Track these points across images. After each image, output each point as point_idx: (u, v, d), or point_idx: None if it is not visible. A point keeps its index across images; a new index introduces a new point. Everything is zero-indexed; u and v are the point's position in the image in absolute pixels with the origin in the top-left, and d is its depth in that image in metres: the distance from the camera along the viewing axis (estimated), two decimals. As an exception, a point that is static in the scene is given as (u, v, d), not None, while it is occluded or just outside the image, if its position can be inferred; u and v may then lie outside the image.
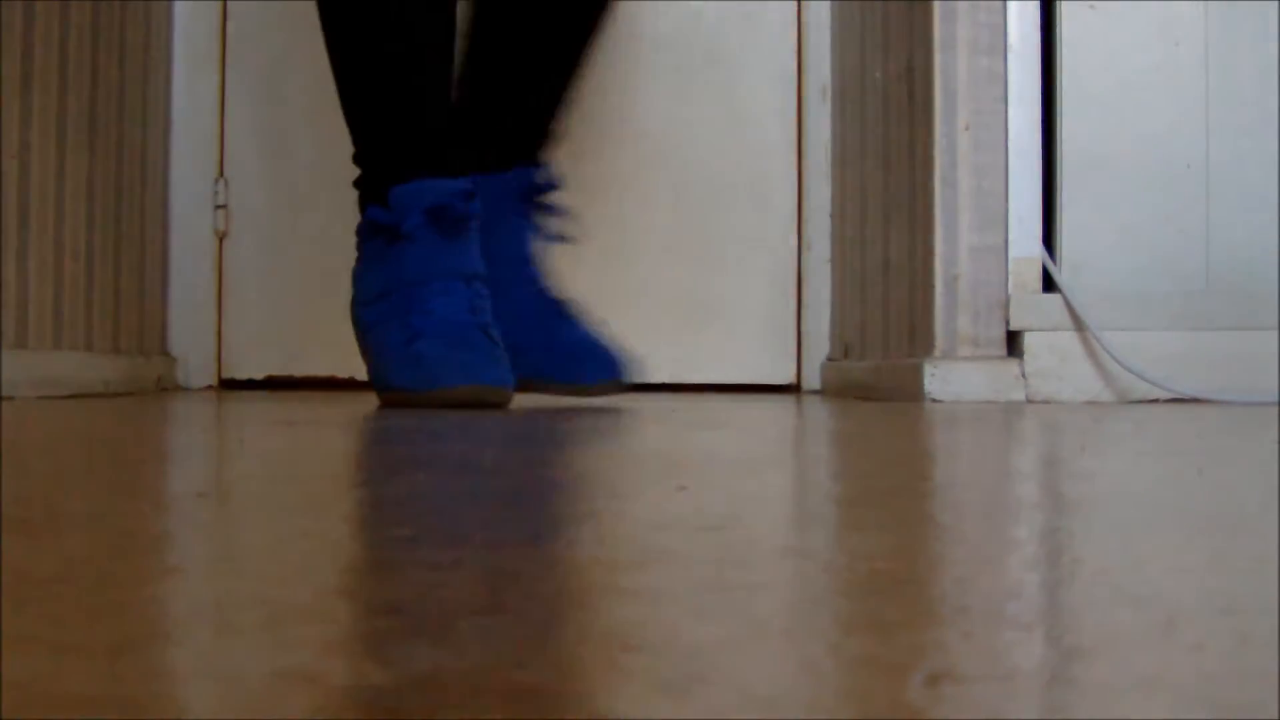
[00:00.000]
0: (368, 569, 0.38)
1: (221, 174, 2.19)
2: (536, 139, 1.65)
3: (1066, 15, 1.73)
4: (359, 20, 1.54)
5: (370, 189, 1.55)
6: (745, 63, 2.21)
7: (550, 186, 1.63)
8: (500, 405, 1.42)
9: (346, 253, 2.38)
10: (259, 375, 2.20)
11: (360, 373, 2.23)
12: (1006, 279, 1.70)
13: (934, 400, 1.65)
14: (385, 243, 1.52)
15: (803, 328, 2.22)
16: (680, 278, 2.20)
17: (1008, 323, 1.70)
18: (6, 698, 0.23)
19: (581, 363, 1.59)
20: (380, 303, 1.53)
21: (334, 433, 1.02)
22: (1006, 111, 1.70)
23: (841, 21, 2.15)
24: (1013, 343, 1.70)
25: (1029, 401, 1.67)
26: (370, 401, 1.55)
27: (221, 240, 2.20)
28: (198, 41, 2.17)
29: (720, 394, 2.03)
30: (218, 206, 2.19)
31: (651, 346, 2.06)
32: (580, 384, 1.59)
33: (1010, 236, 1.70)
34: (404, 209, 1.51)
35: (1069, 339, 1.69)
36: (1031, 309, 1.70)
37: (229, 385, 2.19)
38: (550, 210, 1.65)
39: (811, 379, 2.20)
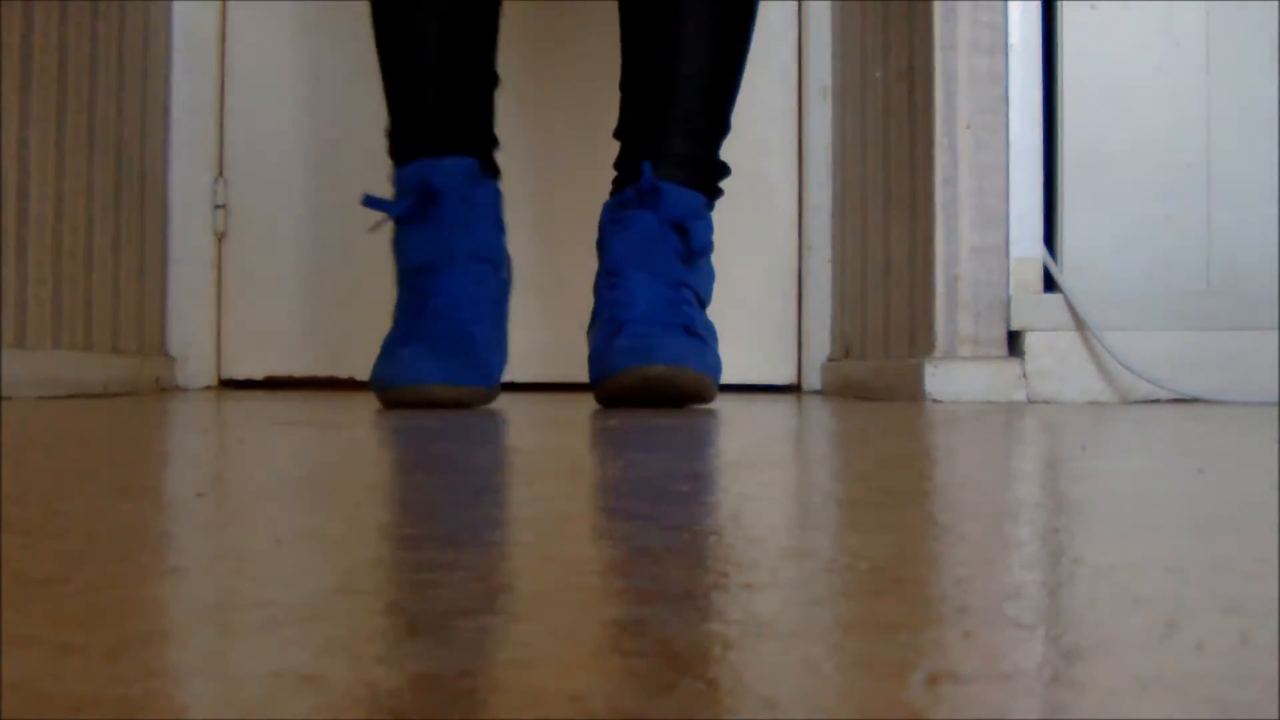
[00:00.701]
0: (368, 569, 0.38)
1: (221, 174, 2.19)
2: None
3: (1067, 15, 1.73)
4: (379, 7, 1.56)
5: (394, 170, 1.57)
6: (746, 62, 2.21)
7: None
8: (444, 404, 1.38)
9: (346, 253, 2.37)
10: (258, 375, 2.20)
11: (360, 373, 2.23)
12: (1007, 279, 1.70)
13: (934, 400, 1.65)
14: (396, 229, 1.53)
15: (803, 328, 2.22)
16: (680, 278, 2.19)
17: (1009, 323, 1.70)
18: (6, 698, 0.23)
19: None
20: (398, 291, 1.53)
21: (333, 433, 1.02)
22: (1007, 111, 1.70)
23: (841, 21, 2.15)
24: (1014, 343, 1.70)
25: (1030, 402, 1.67)
26: (369, 401, 1.55)
27: (221, 240, 2.20)
28: (197, 41, 2.17)
29: (721, 394, 2.03)
30: (217, 206, 2.19)
31: (652, 346, 2.06)
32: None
33: (1011, 236, 1.70)
34: (401, 192, 1.52)
35: (1070, 339, 1.69)
36: (1032, 309, 1.70)
37: (228, 385, 2.20)
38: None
39: (812, 379, 2.20)
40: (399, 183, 1.53)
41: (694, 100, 1.59)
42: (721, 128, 1.62)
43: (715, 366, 1.52)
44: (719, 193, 1.62)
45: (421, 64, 1.54)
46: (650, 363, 1.42)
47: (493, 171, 1.59)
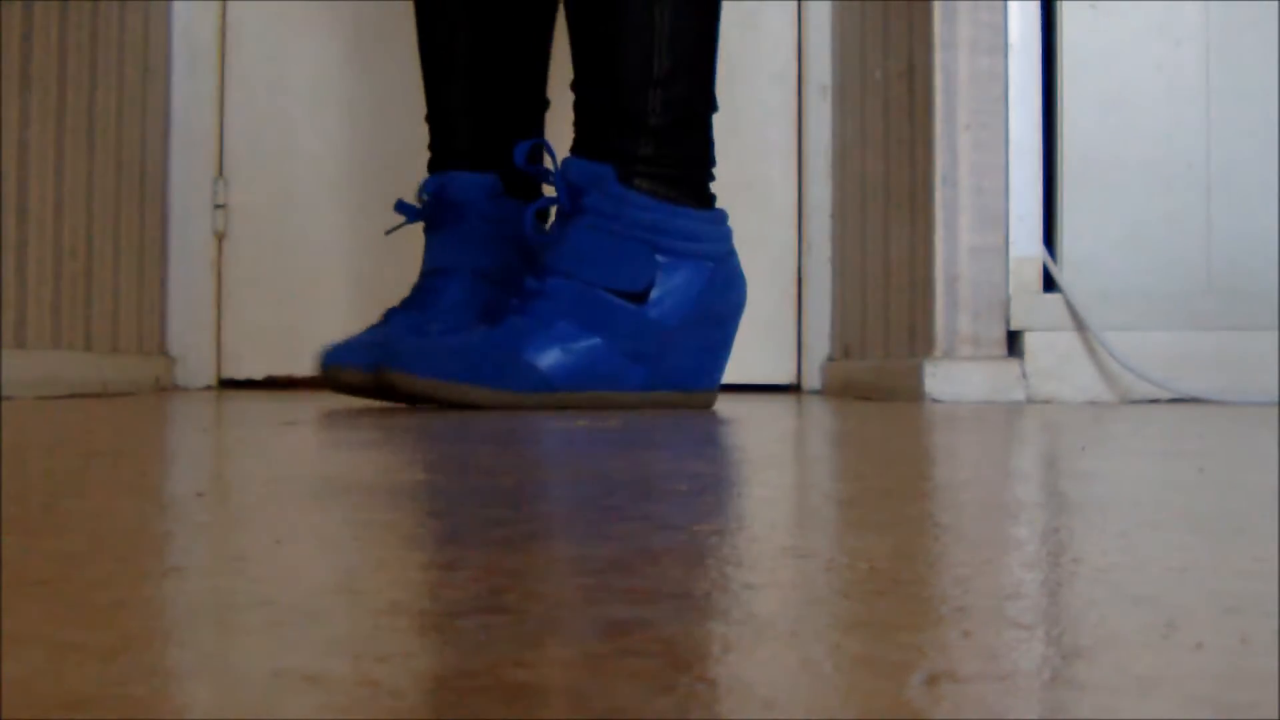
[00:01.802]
0: (368, 568, 0.38)
1: (220, 173, 2.19)
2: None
3: (1067, 15, 1.73)
4: (419, 19, 1.59)
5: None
6: (745, 62, 2.21)
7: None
8: (353, 390, 1.44)
9: (346, 253, 2.37)
10: (258, 375, 2.20)
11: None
12: (1007, 279, 1.70)
13: (934, 400, 1.65)
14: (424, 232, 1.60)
15: (803, 328, 2.22)
16: (680, 277, 2.19)
17: (1008, 322, 1.70)
18: (6, 698, 0.23)
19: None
20: None
21: (333, 433, 1.02)
22: (1007, 111, 1.70)
23: (842, 21, 2.15)
24: (1013, 343, 1.70)
25: (1030, 401, 1.67)
26: (369, 402, 1.55)
27: (220, 240, 2.20)
28: (197, 41, 2.17)
29: (721, 393, 2.03)
30: (217, 206, 2.19)
31: (651, 346, 2.06)
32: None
33: (1011, 236, 1.70)
34: (423, 199, 1.59)
35: (1070, 339, 1.69)
36: (1032, 309, 1.70)
37: (228, 385, 2.20)
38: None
39: (812, 379, 2.20)
40: (422, 190, 1.58)
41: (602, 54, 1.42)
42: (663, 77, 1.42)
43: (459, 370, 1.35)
44: (634, 157, 1.43)
45: (450, 81, 1.57)
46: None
47: (518, 193, 1.59)
